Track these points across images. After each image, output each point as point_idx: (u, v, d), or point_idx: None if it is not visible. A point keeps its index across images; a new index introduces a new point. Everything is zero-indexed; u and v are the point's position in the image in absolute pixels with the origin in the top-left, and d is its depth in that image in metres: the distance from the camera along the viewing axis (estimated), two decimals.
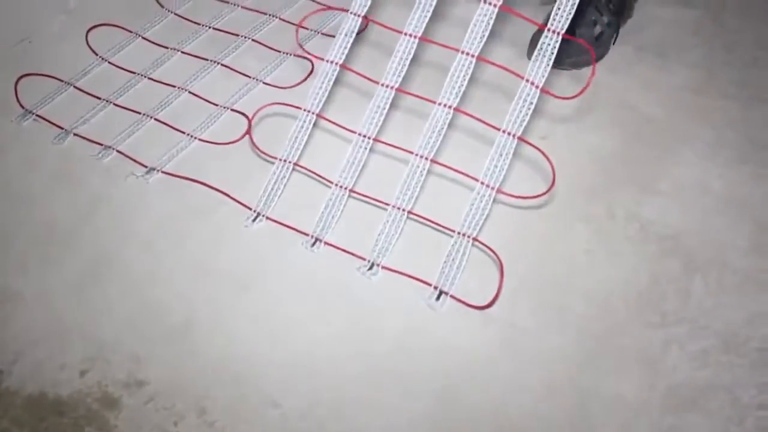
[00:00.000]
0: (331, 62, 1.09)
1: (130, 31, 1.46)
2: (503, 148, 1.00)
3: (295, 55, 1.38)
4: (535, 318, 0.97)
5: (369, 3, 1.09)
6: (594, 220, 1.08)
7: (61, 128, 1.26)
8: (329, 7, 1.44)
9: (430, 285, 1.00)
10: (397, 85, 1.06)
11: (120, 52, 1.42)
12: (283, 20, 1.47)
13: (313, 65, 1.34)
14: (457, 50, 1.03)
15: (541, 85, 0.99)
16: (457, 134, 1.18)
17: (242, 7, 1.50)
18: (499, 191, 1.00)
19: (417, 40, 1.06)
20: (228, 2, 1.52)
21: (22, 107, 1.29)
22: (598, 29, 1.38)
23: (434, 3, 1.06)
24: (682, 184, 1.13)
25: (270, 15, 1.47)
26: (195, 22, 1.47)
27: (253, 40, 1.42)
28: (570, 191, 1.11)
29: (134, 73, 1.37)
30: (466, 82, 1.03)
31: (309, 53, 1.23)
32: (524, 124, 1.00)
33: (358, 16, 1.09)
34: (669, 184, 1.13)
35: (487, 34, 1.02)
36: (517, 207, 1.09)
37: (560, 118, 1.23)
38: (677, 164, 1.17)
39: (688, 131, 1.22)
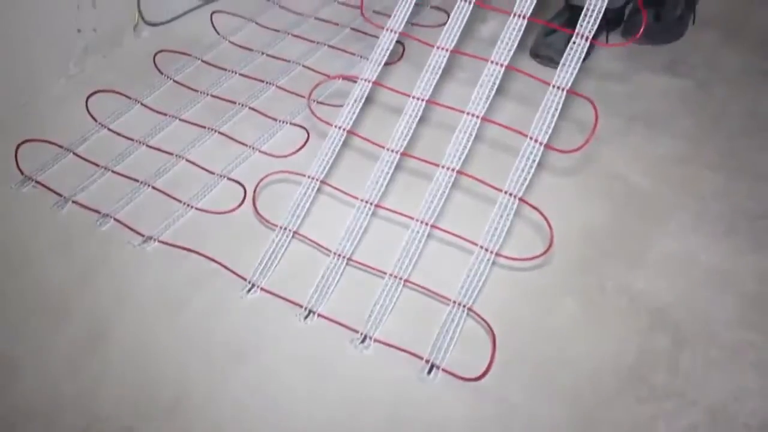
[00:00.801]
0: (339, 128, 1.11)
1: (130, 98, 1.48)
2: (504, 210, 1.02)
3: (291, 124, 1.40)
4: (526, 391, 0.98)
5: (379, 70, 1.11)
6: (585, 292, 1.10)
7: (60, 195, 1.28)
8: (338, 77, 1.48)
9: (422, 359, 1.01)
10: (402, 149, 1.08)
11: (119, 119, 1.44)
12: (280, 88, 1.49)
13: (308, 134, 1.37)
14: (463, 111, 1.06)
15: (545, 142, 1.01)
16: (460, 195, 1.20)
17: (240, 74, 1.53)
18: (497, 254, 1.02)
19: (424, 103, 1.08)
20: (226, 69, 1.54)
21: (22, 173, 1.31)
22: (678, 11, 1.65)
23: (442, 66, 1.08)
24: (669, 256, 1.15)
25: (267, 83, 1.50)
26: (193, 89, 1.50)
27: (250, 108, 1.44)
28: (561, 263, 1.12)
29: (133, 140, 1.39)
30: (469, 144, 1.05)
31: (317, 117, 1.25)
32: (526, 183, 1.02)
33: (369, 82, 1.11)
34: (657, 256, 1.15)
35: (492, 93, 1.05)
36: (513, 270, 1.11)
37: (551, 188, 1.25)
38: (665, 236, 1.19)
39: (675, 202, 1.25)
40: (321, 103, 1.45)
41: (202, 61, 1.57)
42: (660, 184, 1.29)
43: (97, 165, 1.34)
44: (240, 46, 1.61)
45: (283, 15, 1.70)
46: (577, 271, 1.13)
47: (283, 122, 1.41)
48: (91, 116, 1.44)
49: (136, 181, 1.30)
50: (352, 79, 1.43)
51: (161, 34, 1.65)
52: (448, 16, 1.14)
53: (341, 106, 1.17)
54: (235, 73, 1.53)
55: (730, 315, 1.07)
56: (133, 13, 1.62)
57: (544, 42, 1.57)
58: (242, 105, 1.45)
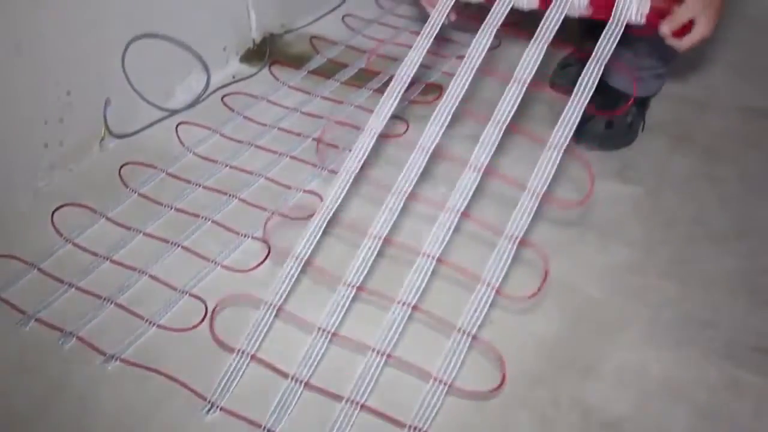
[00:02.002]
0: (296, 258, 1.15)
1: (95, 211, 1.51)
2: (458, 345, 1.05)
3: (252, 238, 1.44)
4: None
5: (341, 198, 1.16)
6: (538, 407, 1.13)
7: (24, 312, 1.29)
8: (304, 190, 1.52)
9: None
10: (359, 283, 1.11)
11: (85, 233, 1.47)
12: (242, 200, 1.53)
13: (269, 248, 1.40)
14: (419, 252, 1.10)
15: (497, 284, 1.05)
16: (417, 325, 1.21)
17: (203, 186, 1.57)
18: (451, 386, 1.04)
19: (380, 241, 1.12)
20: (190, 182, 1.58)
21: None
22: (629, 118, 1.71)
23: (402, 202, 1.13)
24: (622, 368, 1.19)
25: (230, 195, 1.54)
26: (158, 202, 1.53)
27: (213, 221, 1.48)
28: (515, 378, 1.15)
29: (97, 255, 1.41)
30: (424, 284, 1.09)
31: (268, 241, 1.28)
32: (479, 320, 1.05)
33: (331, 210, 1.15)
34: (610, 369, 1.19)
35: (447, 237, 1.09)
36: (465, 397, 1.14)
37: (506, 302, 1.28)
38: (618, 347, 1.23)
39: (628, 312, 1.29)
40: (283, 215, 1.49)
41: (167, 173, 1.61)
42: (612, 294, 1.33)
43: (62, 281, 1.36)
44: (204, 158, 1.65)
45: (247, 126, 1.75)
46: (532, 384, 1.16)
47: (245, 236, 1.44)
48: (57, 231, 1.46)
49: (100, 297, 1.33)
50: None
51: (128, 145, 1.69)
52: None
53: (304, 219, 1.20)
54: (199, 185, 1.57)
55: (682, 427, 1.10)
56: (100, 126, 1.66)
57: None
58: (205, 218, 1.48)
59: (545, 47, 1.16)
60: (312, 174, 1.59)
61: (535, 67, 1.16)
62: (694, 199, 1.55)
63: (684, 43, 1.21)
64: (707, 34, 1.20)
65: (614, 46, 1.14)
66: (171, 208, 1.52)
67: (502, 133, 1.14)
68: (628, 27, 1.17)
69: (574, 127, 1.10)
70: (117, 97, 1.68)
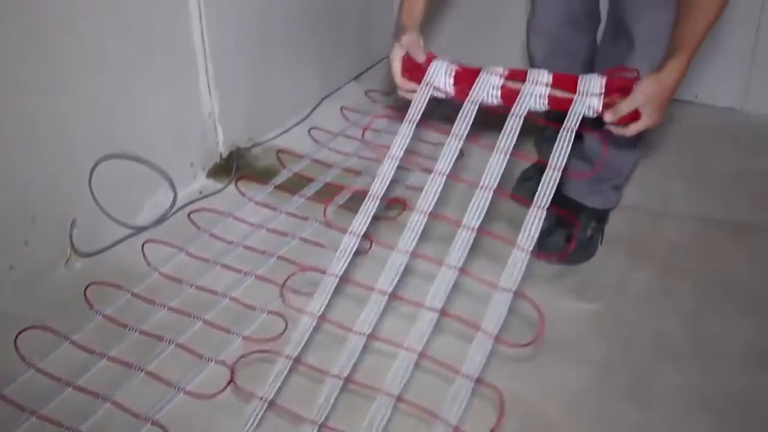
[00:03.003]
0: (261, 399, 1.17)
1: (59, 334, 1.52)
2: None
3: (216, 362, 1.46)
4: None
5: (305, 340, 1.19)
6: None
7: None
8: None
9: None
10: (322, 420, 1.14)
11: (49, 356, 1.48)
12: (207, 322, 1.56)
13: (232, 374, 1.42)
14: (401, 346, 1.15)
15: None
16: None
17: (168, 307, 1.60)
18: None
19: (342, 381, 1.17)
20: (155, 303, 1.61)
21: None
22: (589, 232, 1.79)
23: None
24: None
25: (194, 317, 1.57)
26: (122, 324, 1.55)
27: (177, 344, 1.50)
28: None
29: (60, 380, 1.43)
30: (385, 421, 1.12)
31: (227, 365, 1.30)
32: None
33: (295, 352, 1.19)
34: None
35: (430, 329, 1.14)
36: None
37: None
38: None
39: None
40: (246, 338, 1.51)
41: (132, 293, 1.63)
42: (571, 416, 1.36)
43: (23, 409, 1.37)
44: (170, 278, 1.68)
45: (213, 243, 1.79)
46: None
47: (209, 360, 1.46)
48: (20, 356, 1.48)
49: (61, 426, 1.33)
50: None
51: (93, 264, 1.72)
52: None
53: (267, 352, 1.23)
54: (164, 306, 1.60)
55: None
56: (66, 246, 1.69)
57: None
58: (169, 342, 1.50)
59: (507, 156, 1.23)
60: (273, 293, 1.62)
61: (499, 176, 1.23)
62: (652, 315, 1.60)
63: (629, 130, 1.29)
64: (651, 124, 1.28)
65: (569, 147, 1.21)
66: (135, 331, 1.54)
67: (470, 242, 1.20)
68: (583, 124, 1.25)
69: (535, 239, 1.17)
70: (84, 215, 1.72)
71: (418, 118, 1.32)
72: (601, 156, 1.74)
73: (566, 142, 1.22)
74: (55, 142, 1.63)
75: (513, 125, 1.25)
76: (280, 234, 1.82)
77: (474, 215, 1.20)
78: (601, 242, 1.82)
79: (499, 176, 1.22)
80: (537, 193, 1.20)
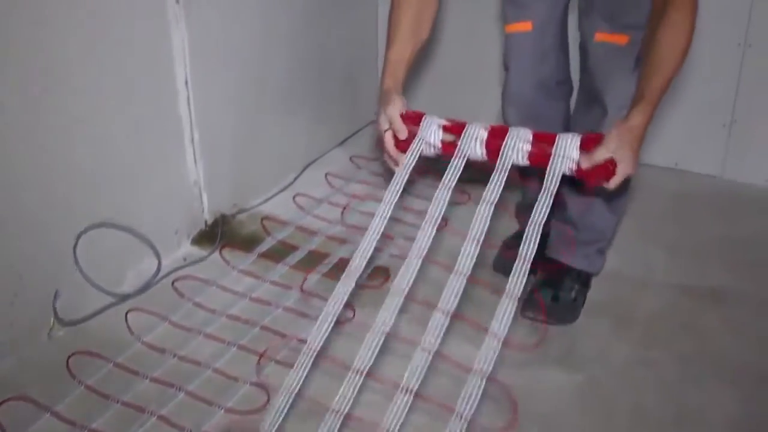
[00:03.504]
0: None
1: (40, 405, 1.53)
2: None
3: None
4: None
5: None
6: None
7: None
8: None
9: None
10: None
11: (30, 427, 1.48)
12: (189, 393, 1.56)
13: None
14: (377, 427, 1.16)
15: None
16: None
17: (151, 378, 1.60)
18: None
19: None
20: (137, 373, 1.62)
21: None
22: (573, 294, 1.86)
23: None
24: None
25: (177, 388, 1.57)
26: (104, 395, 1.56)
27: (158, 416, 1.51)
28: None
29: None
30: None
31: None
32: None
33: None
34: None
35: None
36: None
37: None
38: None
39: None
40: (229, 411, 1.52)
41: (115, 363, 1.64)
42: None
43: None
44: (153, 347, 1.69)
45: (197, 312, 1.80)
46: None
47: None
48: (1, 427, 1.48)
49: None
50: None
51: (77, 333, 1.73)
52: None
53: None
54: (147, 377, 1.60)
55: None
56: (49, 315, 1.70)
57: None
58: (151, 413, 1.51)
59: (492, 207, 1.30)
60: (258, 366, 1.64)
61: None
62: (633, 387, 1.62)
63: (611, 184, 1.34)
64: (630, 171, 1.34)
65: (550, 205, 1.27)
66: (117, 402, 1.55)
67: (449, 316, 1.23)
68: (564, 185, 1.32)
69: (509, 320, 1.20)
70: (68, 283, 1.73)
71: (405, 180, 1.38)
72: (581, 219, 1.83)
73: (545, 206, 1.28)
74: (40, 210, 1.65)
75: (498, 179, 1.33)
76: (264, 303, 1.84)
77: (450, 299, 1.24)
78: (582, 305, 1.86)
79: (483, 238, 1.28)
80: (511, 275, 1.24)
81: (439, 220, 1.32)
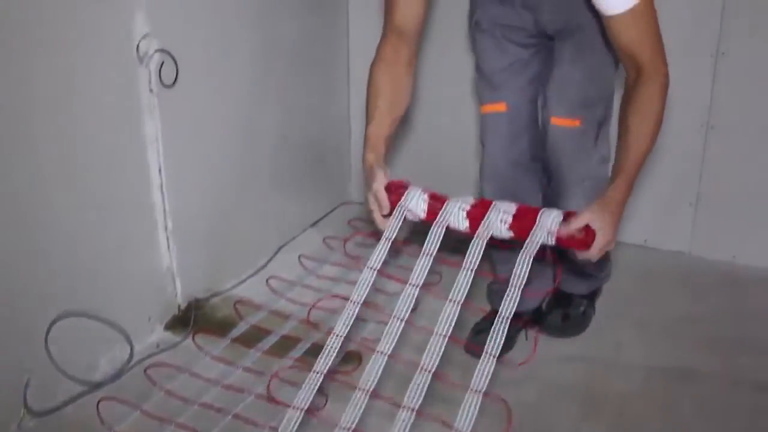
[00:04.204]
0: None
1: None
2: None
3: None
4: None
5: None
6: None
7: None
8: None
9: None
10: None
11: None
12: None
13: None
14: None
15: None
16: None
17: None
18: None
19: None
20: None
21: None
22: (582, 309, 2.10)
23: None
24: None
25: None
26: None
27: None
28: None
29: None
30: None
31: None
32: None
33: None
34: None
35: None
36: None
37: None
38: None
39: None
40: None
41: None
42: None
43: None
44: None
45: (169, 400, 1.81)
46: None
47: None
48: None
49: None
50: None
51: (47, 424, 1.73)
52: None
53: None
54: None
55: None
56: (19, 405, 1.70)
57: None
58: None
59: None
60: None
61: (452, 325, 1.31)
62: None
63: (593, 253, 1.40)
64: (608, 239, 1.40)
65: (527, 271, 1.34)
66: None
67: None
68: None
69: (474, 416, 1.23)
70: (39, 371, 1.73)
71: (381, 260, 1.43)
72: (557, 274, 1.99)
73: (525, 266, 1.35)
74: (11, 298, 1.66)
75: (477, 247, 1.38)
76: (236, 390, 1.85)
77: (414, 397, 1.26)
78: (593, 314, 2.10)
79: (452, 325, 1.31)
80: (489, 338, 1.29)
81: (407, 314, 1.34)
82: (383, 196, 1.47)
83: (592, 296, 2.14)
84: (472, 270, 1.35)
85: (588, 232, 1.38)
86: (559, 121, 1.81)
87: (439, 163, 2.81)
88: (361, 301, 1.39)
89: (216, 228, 2.26)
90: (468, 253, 1.37)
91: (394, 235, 1.45)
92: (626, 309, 2.25)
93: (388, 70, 1.62)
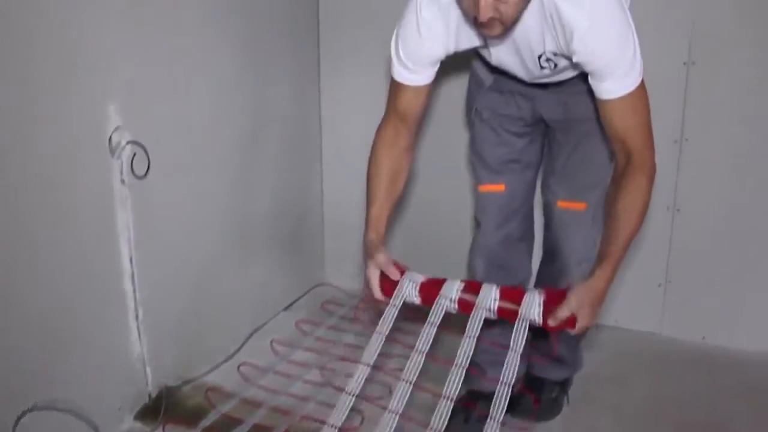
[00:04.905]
0: None
1: None
2: None
3: None
4: None
5: None
6: None
7: None
8: None
9: None
10: None
11: None
12: None
13: None
14: None
15: None
16: None
17: None
18: None
19: None
20: None
21: None
22: (554, 394, 2.11)
23: None
24: None
25: None
26: None
27: None
28: None
29: None
30: None
31: None
32: None
33: None
34: None
35: None
36: None
37: None
38: None
39: None
40: None
41: None
42: None
43: None
44: None
45: None
46: None
47: None
48: None
49: None
50: None
51: None
52: None
53: None
54: None
55: None
56: None
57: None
58: None
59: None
60: None
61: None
62: None
63: (575, 331, 1.53)
64: (586, 325, 1.52)
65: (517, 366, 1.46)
66: None
67: None
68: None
69: None
70: None
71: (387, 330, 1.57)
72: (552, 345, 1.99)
73: (513, 366, 1.47)
74: None
75: (473, 327, 1.52)
76: None
77: None
78: (567, 402, 2.11)
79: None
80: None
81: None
82: (376, 285, 1.61)
83: (564, 384, 2.16)
84: (463, 367, 1.47)
85: (570, 317, 1.49)
86: (566, 204, 1.91)
87: (432, 238, 2.86)
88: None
89: (188, 315, 2.26)
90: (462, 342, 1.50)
91: (388, 329, 1.56)
92: (599, 392, 2.26)
93: (389, 152, 1.74)
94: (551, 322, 1.50)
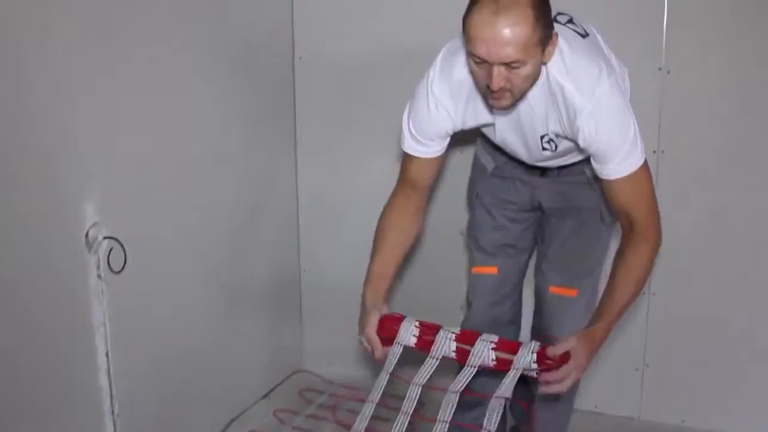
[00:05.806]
0: None
1: None
2: None
3: None
4: None
5: None
6: None
7: None
8: None
9: None
10: None
11: None
12: None
13: None
14: None
15: None
16: None
17: None
18: None
19: None
20: None
21: None
22: None
23: None
24: None
25: None
26: None
27: None
28: None
29: None
30: None
31: None
32: None
33: None
34: None
35: None
36: None
37: None
38: None
39: None
40: None
41: None
42: None
43: None
44: None
45: None
46: None
47: None
48: None
49: None
50: None
51: None
52: None
53: None
54: None
55: None
56: None
57: None
58: None
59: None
60: None
61: None
62: None
63: (562, 386, 1.55)
64: (578, 370, 1.55)
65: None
66: None
67: None
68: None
69: None
70: None
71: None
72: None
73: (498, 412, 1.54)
74: None
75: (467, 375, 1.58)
76: None
77: None
78: None
79: None
80: None
81: None
82: (376, 341, 1.64)
83: None
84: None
85: (564, 354, 1.53)
86: (558, 290, 1.94)
87: (431, 293, 2.82)
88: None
89: (165, 408, 2.24)
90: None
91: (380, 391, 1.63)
92: None
93: (398, 218, 1.79)
94: (549, 351, 1.54)
